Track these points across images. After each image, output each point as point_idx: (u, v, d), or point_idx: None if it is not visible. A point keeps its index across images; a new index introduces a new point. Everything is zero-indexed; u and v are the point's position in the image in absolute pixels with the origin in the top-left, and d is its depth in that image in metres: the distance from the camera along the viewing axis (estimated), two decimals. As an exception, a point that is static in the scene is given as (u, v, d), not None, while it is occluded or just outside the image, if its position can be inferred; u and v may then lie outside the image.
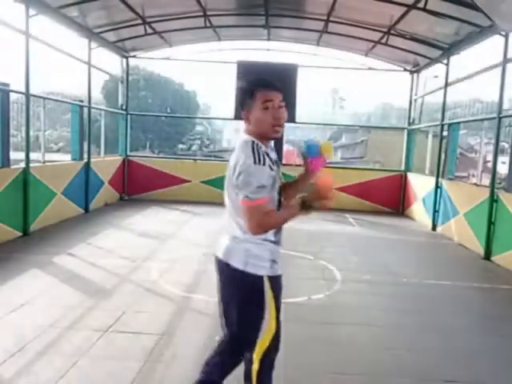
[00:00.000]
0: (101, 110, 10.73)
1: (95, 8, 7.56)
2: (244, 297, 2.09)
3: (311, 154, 2.17)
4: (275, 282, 2.18)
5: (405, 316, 4.17)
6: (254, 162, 1.91)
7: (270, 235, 2.11)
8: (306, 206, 1.99)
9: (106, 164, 9.82)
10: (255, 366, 2.15)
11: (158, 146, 27.22)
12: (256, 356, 2.15)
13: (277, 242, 2.17)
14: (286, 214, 2.08)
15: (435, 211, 8.56)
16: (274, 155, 2.15)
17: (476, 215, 6.95)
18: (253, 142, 2.00)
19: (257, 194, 1.91)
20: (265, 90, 2.04)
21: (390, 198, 10.61)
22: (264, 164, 1.94)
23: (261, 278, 2.07)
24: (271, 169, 2.00)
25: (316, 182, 2.00)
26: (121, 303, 4.04)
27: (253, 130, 2.04)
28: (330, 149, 2.21)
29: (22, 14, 6.26)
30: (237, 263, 2.05)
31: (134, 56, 10.84)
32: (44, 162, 7.55)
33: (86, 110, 8.75)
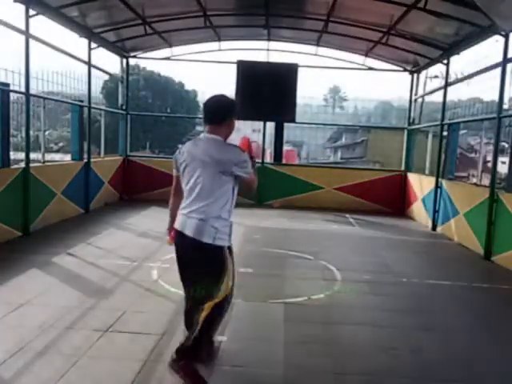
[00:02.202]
0: (101, 109, 10.73)
1: (95, 8, 7.56)
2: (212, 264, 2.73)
3: None
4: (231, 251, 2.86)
5: (405, 316, 4.17)
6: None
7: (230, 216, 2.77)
8: (252, 164, 2.81)
9: (106, 164, 9.82)
10: (204, 313, 2.68)
11: (157, 146, 27.19)
12: (208, 306, 2.68)
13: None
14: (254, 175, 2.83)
15: (435, 211, 8.56)
16: None
17: (476, 215, 6.95)
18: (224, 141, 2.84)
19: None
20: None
21: (390, 198, 10.60)
22: None
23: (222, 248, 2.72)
24: None
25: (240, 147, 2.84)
26: (121, 303, 4.05)
27: (225, 134, 2.82)
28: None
29: (21, 13, 6.27)
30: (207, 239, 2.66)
31: (134, 56, 10.84)
32: (44, 162, 7.55)
33: (86, 110, 8.75)
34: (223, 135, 2.79)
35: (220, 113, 2.79)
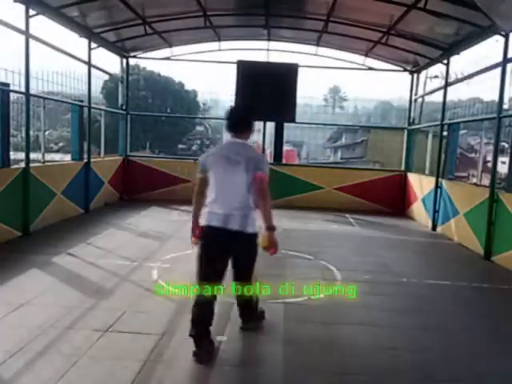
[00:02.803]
0: (101, 109, 10.73)
1: (95, 8, 7.56)
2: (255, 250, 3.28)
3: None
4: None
5: (405, 316, 4.17)
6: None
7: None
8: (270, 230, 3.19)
9: (105, 164, 9.82)
10: (252, 287, 3.42)
11: (158, 146, 27.17)
12: (252, 282, 3.41)
13: None
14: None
15: (435, 211, 8.56)
16: None
17: (476, 215, 6.95)
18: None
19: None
20: None
21: (390, 198, 10.60)
22: None
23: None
24: None
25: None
26: (121, 303, 4.05)
27: (247, 138, 3.33)
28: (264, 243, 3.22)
29: (21, 14, 6.27)
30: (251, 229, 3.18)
31: (134, 56, 10.84)
32: (44, 162, 7.55)
33: (86, 110, 8.75)
34: (246, 139, 3.30)
35: (242, 123, 3.29)
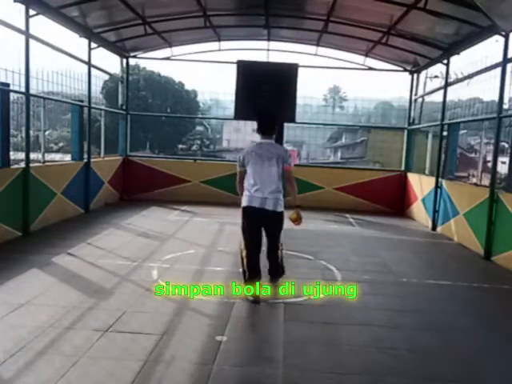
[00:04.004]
0: (101, 109, 10.72)
1: (95, 8, 7.56)
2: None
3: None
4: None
5: (405, 316, 4.17)
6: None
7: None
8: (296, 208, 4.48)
9: (105, 164, 9.82)
10: (279, 249, 4.67)
11: (158, 145, 27.17)
12: (280, 245, 4.66)
13: None
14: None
15: (435, 211, 8.56)
16: None
17: (476, 215, 6.95)
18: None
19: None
20: None
21: (390, 197, 10.60)
22: None
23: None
24: None
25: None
26: (121, 303, 4.05)
27: (275, 138, 4.47)
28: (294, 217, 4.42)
29: (21, 14, 6.27)
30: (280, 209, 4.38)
31: (134, 56, 10.84)
32: (44, 162, 7.54)
33: (86, 110, 8.75)
34: (272, 138, 4.45)
35: (272, 127, 4.43)
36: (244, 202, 4.34)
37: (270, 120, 4.45)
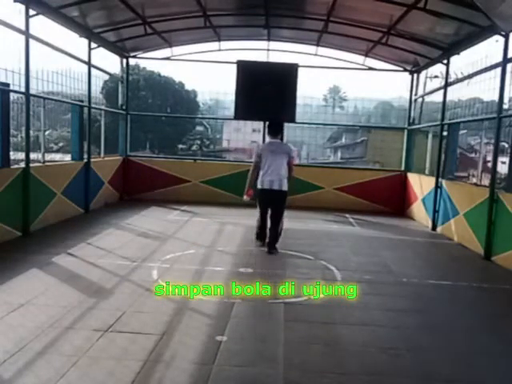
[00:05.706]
0: (101, 109, 10.72)
1: (95, 8, 7.55)
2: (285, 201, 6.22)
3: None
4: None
5: (405, 316, 4.17)
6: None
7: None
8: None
9: (105, 164, 9.82)
10: (281, 222, 6.17)
11: (158, 145, 27.17)
12: (281, 219, 6.17)
13: None
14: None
15: (435, 211, 8.56)
16: None
17: (476, 215, 6.95)
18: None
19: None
20: None
21: (390, 197, 10.60)
22: None
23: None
24: None
25: None
26: (121, 303, 4.05)
27: (281, 138, 6.60)
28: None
29: (21, 14, 6.26)
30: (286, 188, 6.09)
31: (134, 56, 10.84)
32: (44, 162, 7.54)
33: (86, 110, 8.75)
34: (279, 138, 6.34)
35: (279, 130, 6.36)
36: (259, 185, 6.05)
37: (278, 125, 6.32)
